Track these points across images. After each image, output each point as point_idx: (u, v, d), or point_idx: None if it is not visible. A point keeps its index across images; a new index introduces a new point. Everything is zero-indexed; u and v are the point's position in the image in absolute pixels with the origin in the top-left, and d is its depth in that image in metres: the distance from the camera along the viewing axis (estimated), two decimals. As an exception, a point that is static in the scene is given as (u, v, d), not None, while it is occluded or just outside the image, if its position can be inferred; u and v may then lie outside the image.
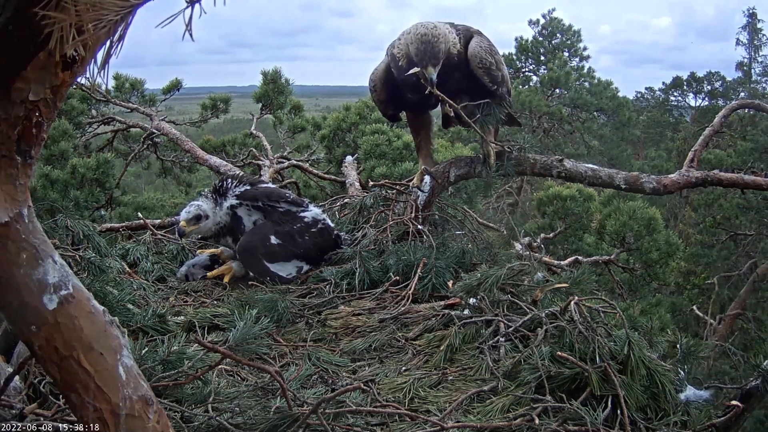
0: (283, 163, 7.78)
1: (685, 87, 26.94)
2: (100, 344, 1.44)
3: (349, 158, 7.11)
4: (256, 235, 4.04)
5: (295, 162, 7.96)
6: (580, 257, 6.87)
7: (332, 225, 4.36)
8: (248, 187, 4.16)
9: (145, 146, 8.68)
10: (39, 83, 1.30)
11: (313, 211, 4.26)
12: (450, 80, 3.89)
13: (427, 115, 4.59)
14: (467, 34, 4.08)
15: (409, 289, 3.51)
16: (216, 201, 4.12)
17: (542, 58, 18.81)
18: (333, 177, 7.80)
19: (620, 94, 18.11)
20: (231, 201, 4.10)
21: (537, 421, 2.22)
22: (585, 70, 18.40)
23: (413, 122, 4.59)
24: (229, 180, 4.21)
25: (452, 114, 4.79)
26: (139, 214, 5.68)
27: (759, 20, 26.74)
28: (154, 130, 8.04)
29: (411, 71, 3.67)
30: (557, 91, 17.45)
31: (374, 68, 4.34)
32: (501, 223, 8.77)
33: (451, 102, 3.82)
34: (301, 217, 4.16)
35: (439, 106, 4.73)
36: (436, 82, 3.71)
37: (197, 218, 4.05)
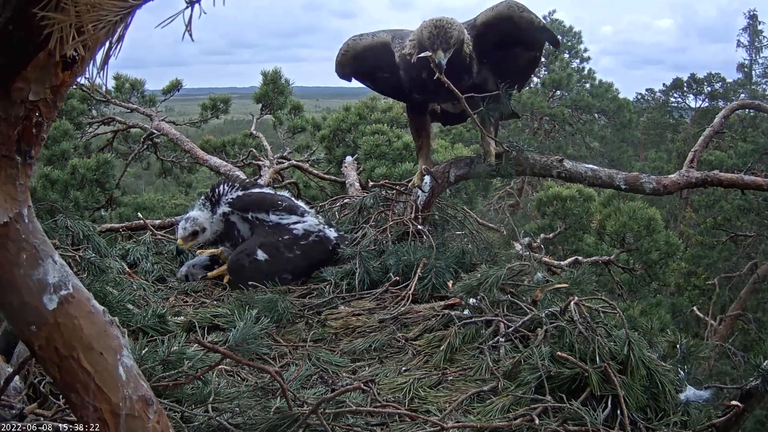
0: (283, 163, 7.77)
1: (685, 88, 26.92)
2: (100, 344, 1.44)
3: (349, 158, 7.11)
4: (242, 252, 3.97)
5: (295, 162, 7.95)
6: (580, 257, 6.86)
7: (331, 235, 4.16)
8: (241, 193, 4.12)
9: (145, 146, 8.67)
10: (39, 83, 1.31)
11: (308, 222, 4.12)
12: (459, 83, 3.82)
13: (428, 116, 4.59)
14: None
15: (409, 290, 3.51)
16: (212, 209, 4.10)
17: (543, 59, 18.81)
18: (333, 177, 7.79)
19: (621, 96, 18.13)
20: (224, 208, 4.08)
21: (537, 421, 2.22)
22: (586, 72, 18.43)
23: (415, 123, 4.58)
24: (222, 186, 4.17)
25: (439, 110, 4.74)
26: (139, 215, 5.69)
27: (759, 22, 26.77)
28: (154, 131, 8.03)
29: (421, 54, 3.63)
30: (558, 92, 17.46)
31: None
32: (501, 223, 8.77)
33: (456, 91, 3.74)
34: (290, 230, 4.06)
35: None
36: (441, 80, 3.61)
37: (194, 234, 4.04)
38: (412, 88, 4.06)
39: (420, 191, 4.35)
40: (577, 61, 18.82)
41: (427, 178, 4.37)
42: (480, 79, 4.04)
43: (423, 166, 4.43)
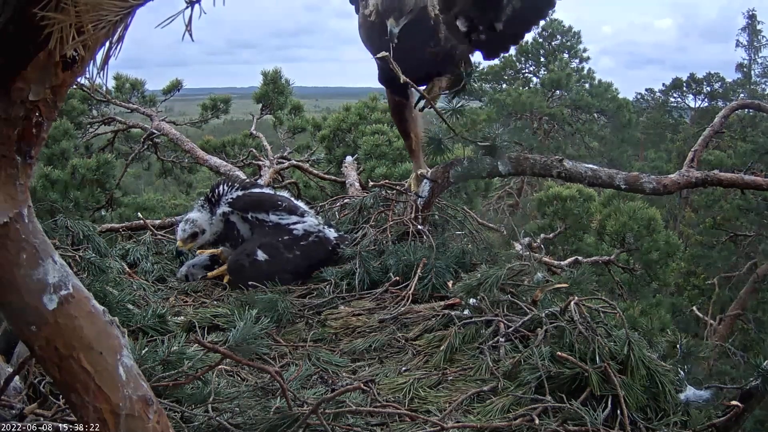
0: (283, 163, 7.77)
1: (684, 88, 26.94)
2: (100, 344, 1.44)
3: (349, 158, 7.10)
4: (242, 253, 3.97)
5: (295, 162, 7.94)
6: (580, 257, 6.86)
7: (331, 236, 4.16)
8: (240, 193, 4.12)
9: (145, 147, 8.67)
10: (39, 83, 1.30)
11: (308, 222, 4.11)
12: (421, 51, 3.58)
13: (414, 113, 4.45)
14: None
15: (409, 290, 3.50)
16: (211, 210, 4.10)
17: (542, 59, 18.82)
18: (333, 177, 7.78)
19: (621, 96, 18.16)
20: (224, 208, 4.08)
21: (537, 421, 2.22)
22: (585, 72, 18.45)
23: (400, 123, 4.49)
24: (221, 187, 4.16)
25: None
26: (139, 215, 5.69)
27: (759, 22, 26.80)
28: (155, 131, 8.03)
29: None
30: (558, 92, 17.48)
31: None
32: (501, 223, 8.76)
33: (403, 76, 3.38)
34: (290, 230, 4.05)
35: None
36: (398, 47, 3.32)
37: (194, 236, 4.04)
38: (373, 53, 3.91)
39: (419, 197, 4.34)
40: (576, 61, 18.83)
41: (425, 182, 4.35)
42: (459, 41, 3.86)
43: (419, 171, 4.40)
